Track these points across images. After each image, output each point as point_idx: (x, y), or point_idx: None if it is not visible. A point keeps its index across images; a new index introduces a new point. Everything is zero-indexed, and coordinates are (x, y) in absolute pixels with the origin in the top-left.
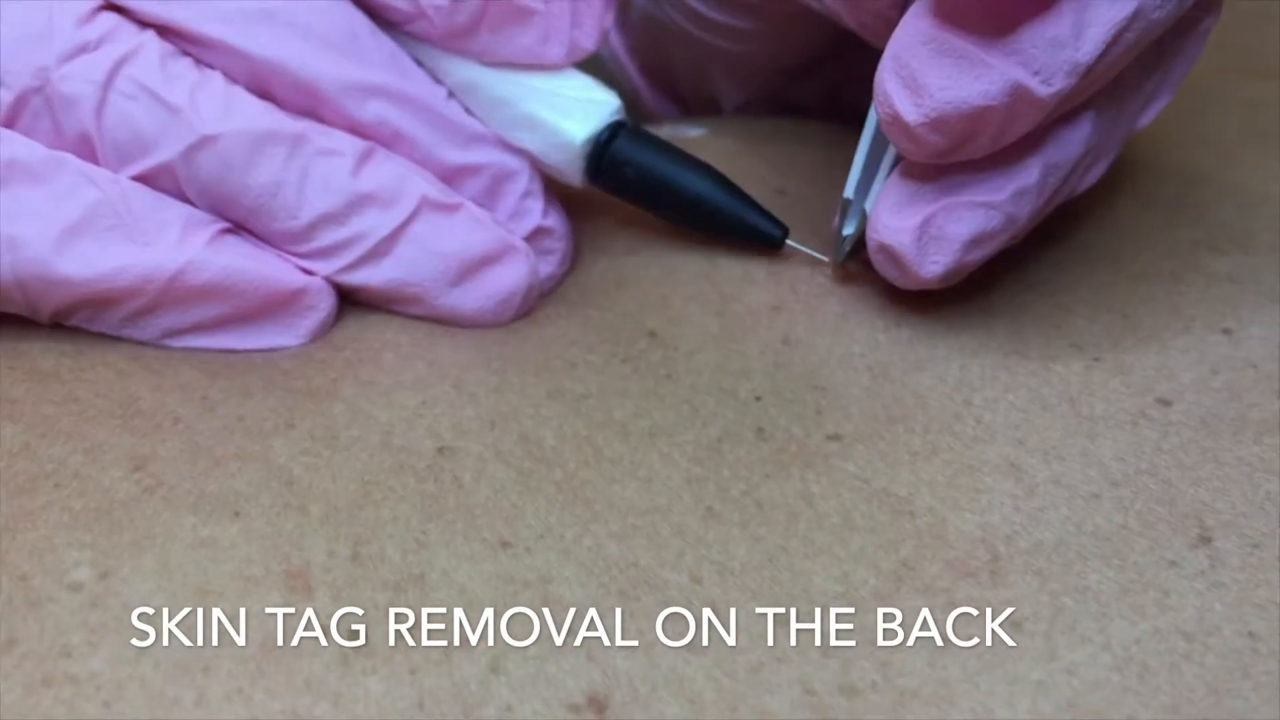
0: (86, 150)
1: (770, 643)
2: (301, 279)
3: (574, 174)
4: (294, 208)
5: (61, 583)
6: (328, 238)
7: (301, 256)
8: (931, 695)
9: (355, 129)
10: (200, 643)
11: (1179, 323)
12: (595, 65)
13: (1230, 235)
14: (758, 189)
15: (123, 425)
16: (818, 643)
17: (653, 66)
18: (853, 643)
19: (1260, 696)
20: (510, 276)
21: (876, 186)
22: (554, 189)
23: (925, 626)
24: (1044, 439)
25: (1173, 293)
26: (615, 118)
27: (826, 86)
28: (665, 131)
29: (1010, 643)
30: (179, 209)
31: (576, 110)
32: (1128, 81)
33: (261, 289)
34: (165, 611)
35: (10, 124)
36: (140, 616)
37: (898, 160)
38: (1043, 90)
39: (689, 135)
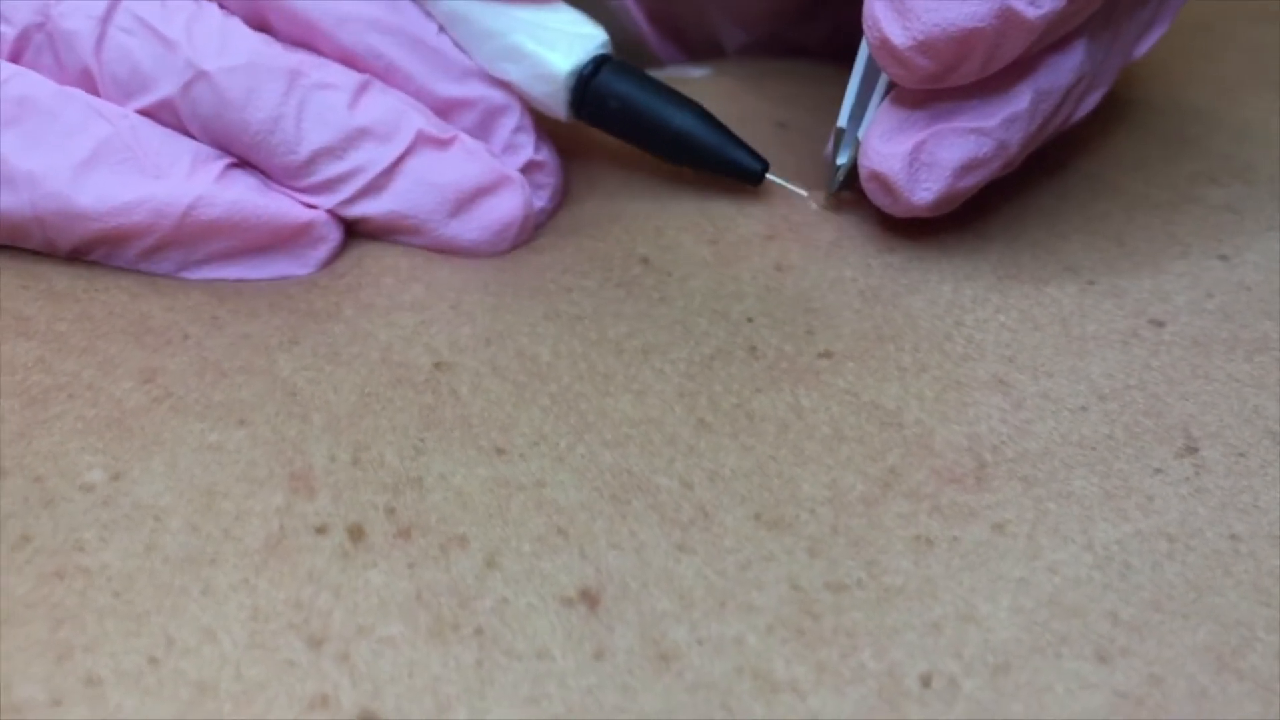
0: (88, 85)
1: (758, 543)
2: (308, 213)
3: (558, 106)
4: (293, 142)
5: (75, 484)
6: (327, 171)
7: (302, 190)
8: (916, 591)
9: (349, 61)
10: (207, 539)
11: (1175, 249)
12: (602, 12)
13: (1230, 168)
14: (759, 124)
15: (134, 341)
16: (805, 543)
17: (658, 11)
18: (839, 543)
19: (1240, 594)
20: (506, 206)
21: (869, 115)
22: (545, 126)
23: (910, 528)
24: (1034, 356)
25: (1170, 221)
26: (600, 51)
27: (827, 29)
28: (669, 73)
29: (994, 543)
30: (187, 144)
31: (561, 42)
32: (1122, 9)
33: (271, 223)
34: (174, 509)
35: (14, 60)
36: (151, 514)
37: (890, 88)
38: (1031, 12)
39: (692, 76)
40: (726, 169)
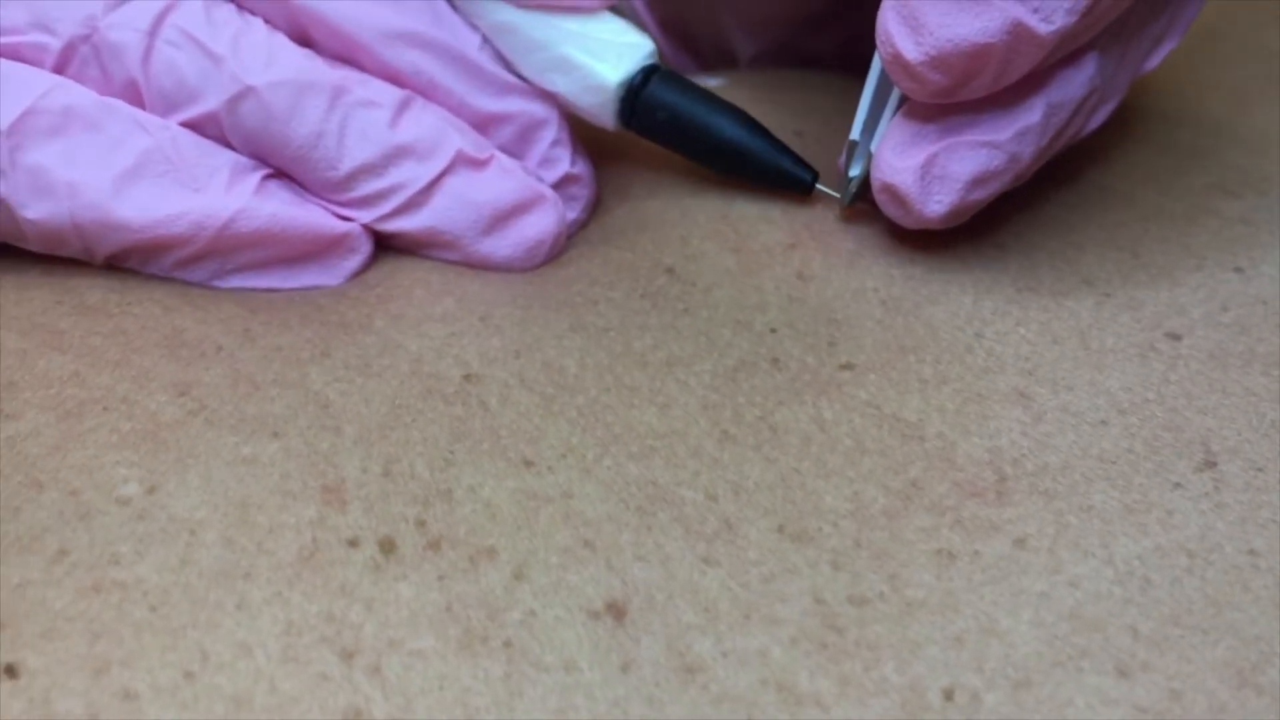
0: (134, 97)
1: (782, 556)
2: (343, 225)
3: (607, 117)
4: (334, 158)
5: (110, 497)
6: (366, 188)
7: (341, 205)
8: (937, 605)
9: (391, 76)
10: (241, 552)
11: (1191, 261)
12: None
13: (1244, 179)
14: (776, 133)
15: (168, 354)
16: (829, 556)
17: (671, 20)
18: (862, 556)
19: (1259, 609)
20: (540, 225)
21: (882, 127)
22: (580, 137)
23: (932, 541)
24: (1053, 370)
25: (1185, 233)
26: (649, 61)
27: (841, 39)
28: None
29: (1015, 557)
30: (226, 155)
31: (610, 53)
32: (1133, 23)
33: (306, 235)
34: (209, 523)
35: (60, 72)
36: (186, 527)
37: (903, 101)
38: (1043, 28)
39: (707, 85)
40: (776, 179)
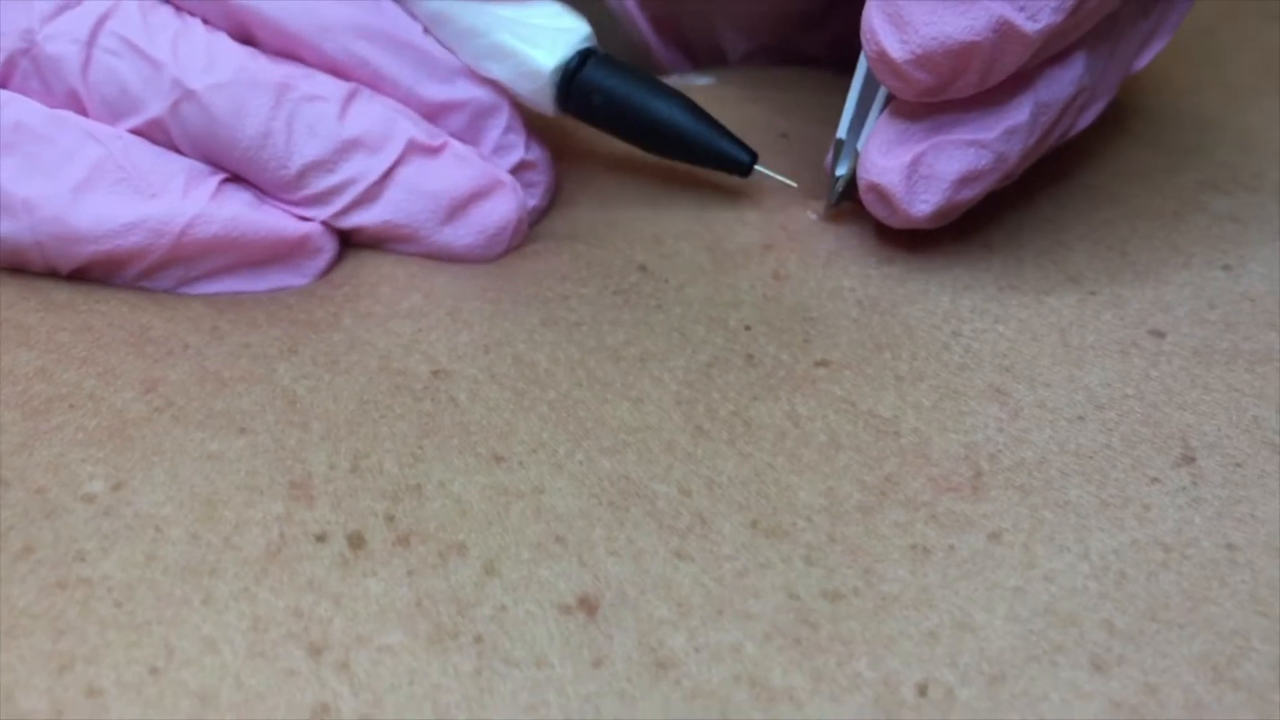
0: (77, 108)
1: (756, 551)
2: (304, 226)
3: (545, 103)
4: (283, 157)
5: (76, 495)
6: (319, 184)
7: (296, 204)
8: (912, 600)
9: (336, 70)
10: (208, 548)
11: (1178, 259)
12: (605, 20)
13: (1235, 176)
14: (762, 133)
15: (135, 351)
16: (802, 551)
17: (662, 18)
18: (836, 551)
19: (1236, 604)
20: (500, 211)
21: (869, 126)
22: (535, 122)
23: (906, 536)
24: (1031, 366)
25: (1173, 231)
26: (584, 45)
27: (834, 37)
28: (674, 82)
29: (990, 552)
30: (180, 162)
31: (545, 39)
32: (1122, 21)
33: (267, 238)
34: (175, 519)
35: (3, 86)
36: (151, 523)
37: (889, 100)
38: (1029, 26)
39: (696, 84)
40: (714, 161)
